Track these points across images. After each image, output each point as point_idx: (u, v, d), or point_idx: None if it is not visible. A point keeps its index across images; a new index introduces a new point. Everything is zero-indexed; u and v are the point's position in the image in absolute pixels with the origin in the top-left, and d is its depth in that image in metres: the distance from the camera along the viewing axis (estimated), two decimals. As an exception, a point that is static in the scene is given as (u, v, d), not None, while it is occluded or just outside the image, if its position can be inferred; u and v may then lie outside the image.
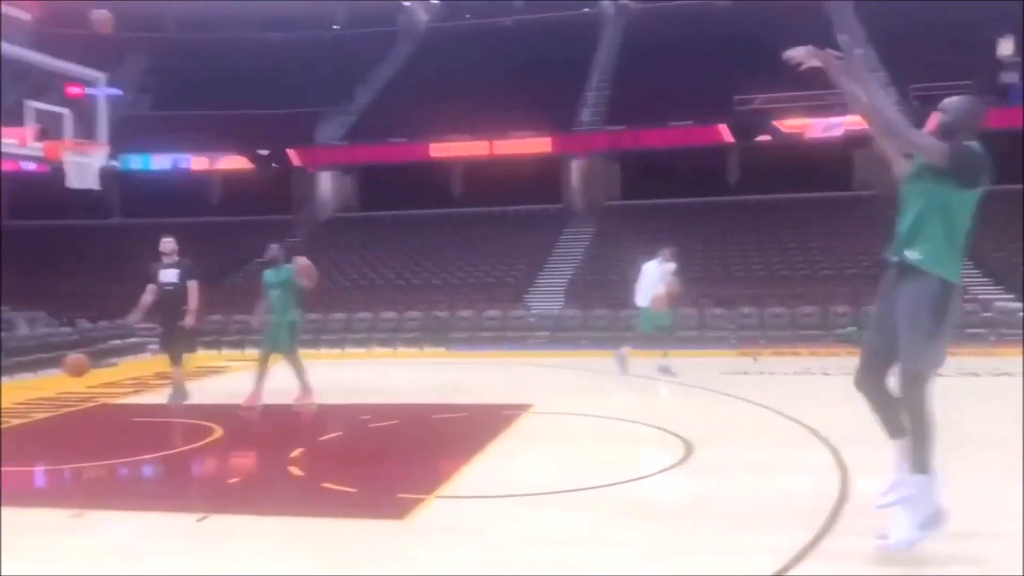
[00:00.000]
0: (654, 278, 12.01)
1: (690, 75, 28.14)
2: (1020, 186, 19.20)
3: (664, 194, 26.11)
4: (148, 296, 9.97)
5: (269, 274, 10.17)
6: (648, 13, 35.32)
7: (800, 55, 4.41)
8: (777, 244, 22.36)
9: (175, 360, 10.29)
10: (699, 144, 25.63)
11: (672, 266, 12.17)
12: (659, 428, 8.15)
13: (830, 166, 25.35)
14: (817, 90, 24.31)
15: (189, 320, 10.05)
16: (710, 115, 25.36)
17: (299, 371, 10.14)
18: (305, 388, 10.21)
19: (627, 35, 34.25)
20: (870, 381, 4.54)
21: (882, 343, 4.45)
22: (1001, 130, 19.45)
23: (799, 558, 4.55)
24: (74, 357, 10.34)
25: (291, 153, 28.04)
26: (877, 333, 4.50)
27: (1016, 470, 6.02)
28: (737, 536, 5.02)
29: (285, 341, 10.04)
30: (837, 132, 23.54)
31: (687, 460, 6.95)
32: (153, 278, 10.03)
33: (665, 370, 11.89)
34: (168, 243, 10.10)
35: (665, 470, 6.66)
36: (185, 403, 10.22)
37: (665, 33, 32.63)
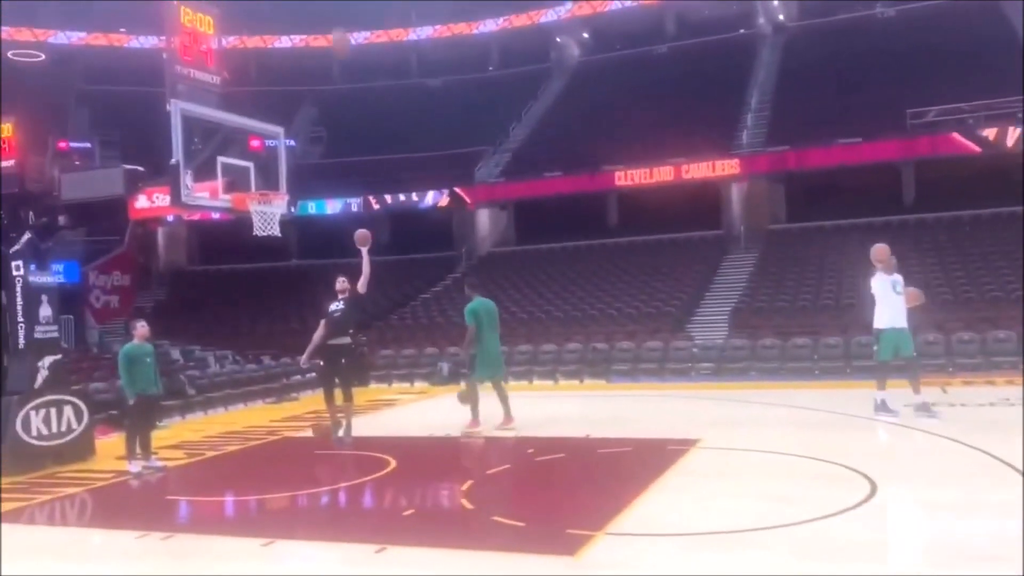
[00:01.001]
0: (888, 291, 10.35)
1: (856, 90, 26.96)
2: None
3: (833, 215, 24.95)
4: (319, 332, 10.49)
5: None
6: (807, 30, 34.19)
7: None
8: (961, 264, 20.80)
9: (347, 395, 10.57)
10: (870, 161, 24.35)
11: (899, 276, 10.55)
12: (839, 464, 7.70)
13: (1017, 178, 23.39)
14: (995, 98, 22.75)
15: (361, 285, 10.39)
16: (881, 131, 24.10)
17: (473, 401, 10.70)
18: (474, 418, 10.55)
19: (786, 54, 33.26)
20: None
21: None
22: None
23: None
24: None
25: (454, 192, 29.08)
26: None
27: None
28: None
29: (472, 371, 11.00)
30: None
31: (872, 499, 6.53)
32: (325, 314, 10.57)
33: (925, 408, 10.18)
34: (342, 281, 10.61)
35: (849, 509, 6.27)
36: (336, 438, 10.45)
37: (827, 49, 31.48)
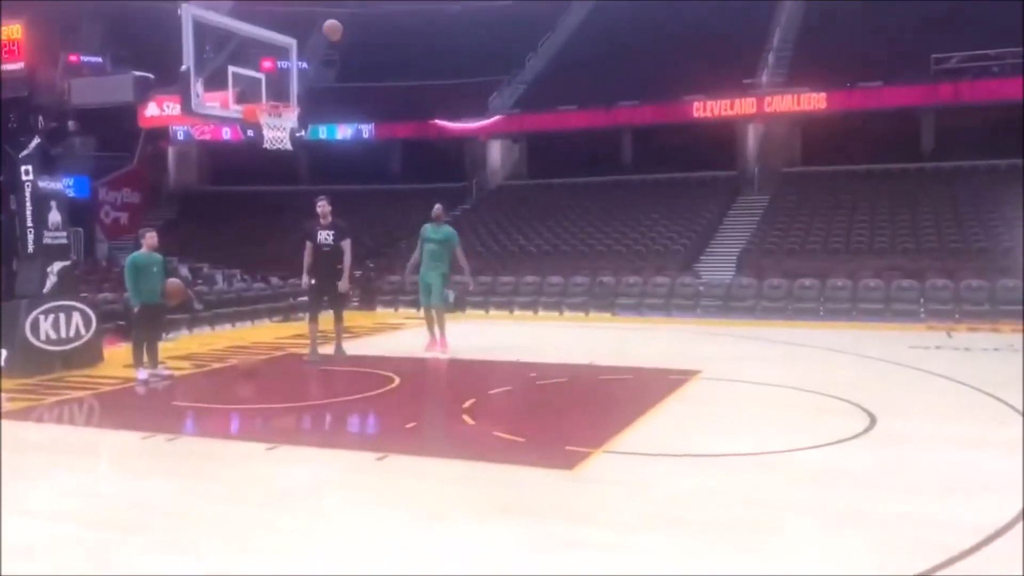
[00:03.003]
0: None
1: (880, 33, 26.33)
2: None
3: (849, 160, 24.62)
4: (308, 257, 10.45)
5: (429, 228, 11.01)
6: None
7: None
8: (974, 214, 20.58)
9: (337, 316, 10.75)
10: (890, 107, 23.90)
11: None
12: (839, 398, 7.74)
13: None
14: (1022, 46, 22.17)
15: (342, 285, 10.55)
16: (903, 75, 23.60)
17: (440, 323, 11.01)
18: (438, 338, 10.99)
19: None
20: None
21: None
22: None
23: (996, 536, 4.21)
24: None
25: (465, 124, 28.61)
26: None
27: None
28: (928, 509, 4.73)
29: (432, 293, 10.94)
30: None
31: (870, 431, 6.57)
32: (311, 237, 10.48)
33: None
34: (323, 205, 10.48)
35: (845, 440, 6.31)
36: (312, 360, 10.55)
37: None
